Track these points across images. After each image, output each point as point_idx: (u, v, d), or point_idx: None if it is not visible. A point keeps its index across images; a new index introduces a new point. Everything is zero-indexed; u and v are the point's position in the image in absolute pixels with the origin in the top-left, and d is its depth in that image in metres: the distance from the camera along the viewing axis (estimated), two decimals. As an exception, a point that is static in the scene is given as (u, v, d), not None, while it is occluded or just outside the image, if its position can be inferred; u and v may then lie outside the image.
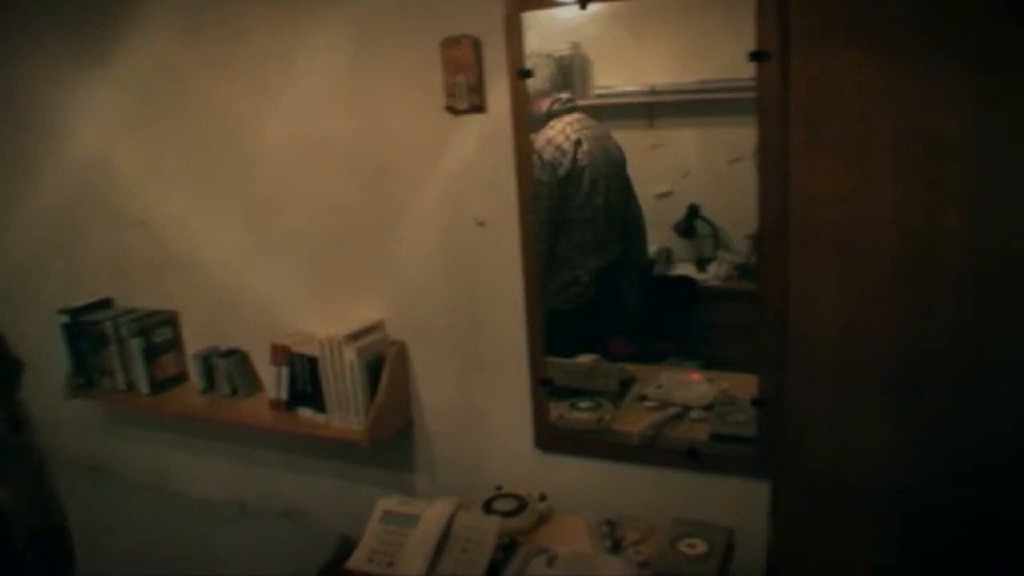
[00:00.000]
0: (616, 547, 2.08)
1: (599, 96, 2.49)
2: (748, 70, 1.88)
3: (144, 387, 2.86)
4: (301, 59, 2.46)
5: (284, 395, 2.54)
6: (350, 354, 2.35)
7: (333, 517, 2.75)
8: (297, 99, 2.50)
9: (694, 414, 2.26)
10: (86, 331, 2.93)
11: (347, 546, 2.57)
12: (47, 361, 3.17)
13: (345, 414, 2.41)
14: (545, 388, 2.33)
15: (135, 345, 2.82)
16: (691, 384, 2.35)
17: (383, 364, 2.42)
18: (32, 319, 3.29)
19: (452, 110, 2.25)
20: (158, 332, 2.86)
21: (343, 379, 2.38)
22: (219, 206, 2.75)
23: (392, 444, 2.56)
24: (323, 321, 2.54)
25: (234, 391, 2.73)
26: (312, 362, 2.44)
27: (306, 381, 2.47)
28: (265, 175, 2.63)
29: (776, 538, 1.85)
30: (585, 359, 2.45)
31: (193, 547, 2.66)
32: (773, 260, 1.89)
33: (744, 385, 2.15)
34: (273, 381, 2.55)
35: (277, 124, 2.56)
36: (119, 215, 2.98)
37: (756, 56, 1.85)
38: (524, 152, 2.19)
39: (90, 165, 3.00)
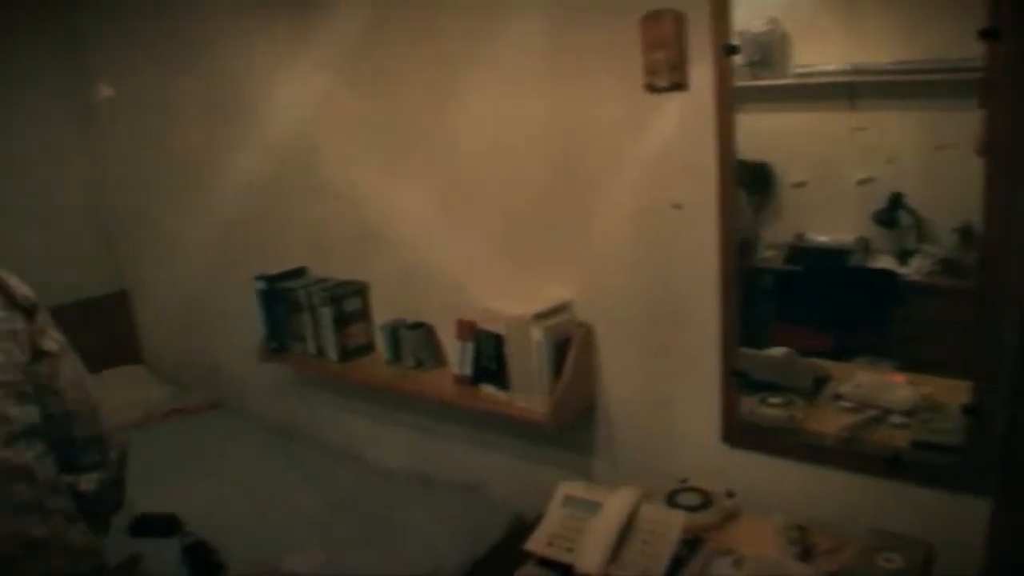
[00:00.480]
0: (806, 554, 1.98)
1: (798, 75, 2.36)
2: (973, 49, 1.72)
3: (333, 354, 2.95)
4: (496, 38, 2.45)
5: (468, 371, 2.56)
6: (537, 333, 2.34)
7: (509, 494, 2.76)
8: (492, 78, 2.50)
9: (894, 419, 2.12)
10: (281, 298, 3.06)
11: (521, 524, 2.60)
12: (243, 325, 3.35)
13: (529, 393, 2.41)
14: (737, 380, 2.24)
15: (326, 313, 2.91)
16: (892, 386, 2.20)
17: (569, 345, 2.39)
18: (232, 284, 3.48)
19: (651, 88, 2.18)
20: (348, 302, 2.94)
21: (528, 358, 2.37)
22: (413, 182, 2.79)
23: (574, 426, 2.54)
24: (510, 299, 2.55)
25: (419, 363, 2.77)
26: (498, 339, 2.44)
27: (491, 358, 2.48)
28: (459, 153, 2.64)
29: (991, 559, 1.71)
30: (777, 352, 2.34)
31: (374, 513, 2.74)
32: (1001, 258, 1.74)
33: (949, 390, 2.00)
34: (458, 356, 2.58)
35: (471, 104, 2.57)
36: (318, 188, 3.08)
37: (987, 34, 1.69)
38: (727, 131, 2.09)
39: (293, 140, 3.12)
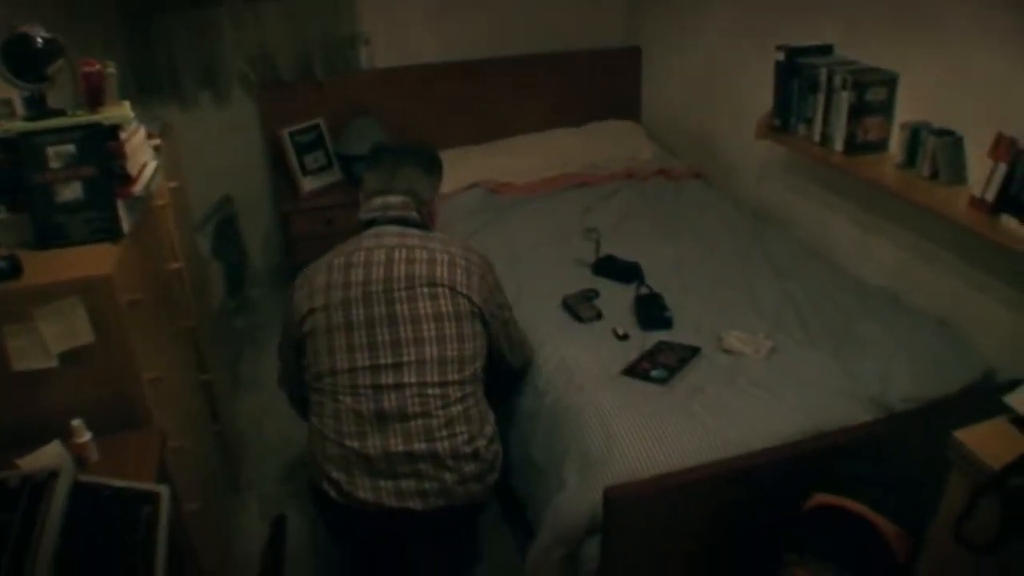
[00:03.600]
0: None
1: None
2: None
3: (838, 144, 2.72)
4: None
5: (991, 196, 2.20)
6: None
7: (985, 347, 2.46)
8: None
9: None
10: (798, 73, 2.86)
11: (989, 379, 2.36)
12: (747, 98, 3.28)
13: (1060, 238, 2.03)
14: None
15: (844, 98, 2.66)
16: None
17: None
18: (745, 54, 3.39)
19: None
20: (872, 91, 2.64)
21: (1074, 196, 1.98)
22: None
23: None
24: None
25: (934, 175, 2.45)
26: (1039, 166, 2.06)
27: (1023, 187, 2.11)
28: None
29: None
30: None
31: (832, 318, 2.61)
32: None
33: None
34: (983, 177, 2.23)
35: None
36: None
37: None
38: None
39: None
